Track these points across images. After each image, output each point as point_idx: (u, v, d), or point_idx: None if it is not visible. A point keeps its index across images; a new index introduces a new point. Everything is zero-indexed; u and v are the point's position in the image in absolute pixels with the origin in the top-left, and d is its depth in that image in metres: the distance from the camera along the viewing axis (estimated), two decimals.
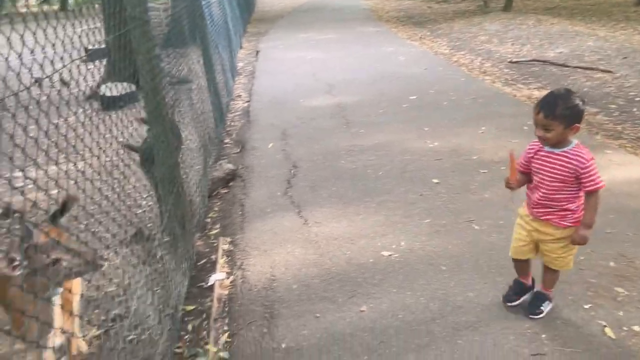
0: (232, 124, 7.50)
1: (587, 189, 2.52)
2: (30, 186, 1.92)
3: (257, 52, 12.89)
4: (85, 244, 2.38)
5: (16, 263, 2.03)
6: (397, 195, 4.43)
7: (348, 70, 9.83)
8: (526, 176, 2.76)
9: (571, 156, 2.52)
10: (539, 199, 2.65)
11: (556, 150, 2.56)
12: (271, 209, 4.37)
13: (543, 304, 2.87)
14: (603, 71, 8.58)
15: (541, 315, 2.84)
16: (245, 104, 8.38)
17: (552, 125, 2.47)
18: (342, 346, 2.73)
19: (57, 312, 2.34)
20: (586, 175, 2.50)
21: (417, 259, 3.47)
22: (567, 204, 2.59)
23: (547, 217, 2.65)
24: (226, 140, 6.77)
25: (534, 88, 8.06)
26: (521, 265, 2.95)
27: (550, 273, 2.85)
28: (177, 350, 2.97)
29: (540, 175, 2.64)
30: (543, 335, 2.70)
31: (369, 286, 3.21)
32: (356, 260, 3.50)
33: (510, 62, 9.92)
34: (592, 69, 8.80)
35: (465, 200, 4.29)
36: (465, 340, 2.70)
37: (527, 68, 9.39)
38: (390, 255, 3.54)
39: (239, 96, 9.10)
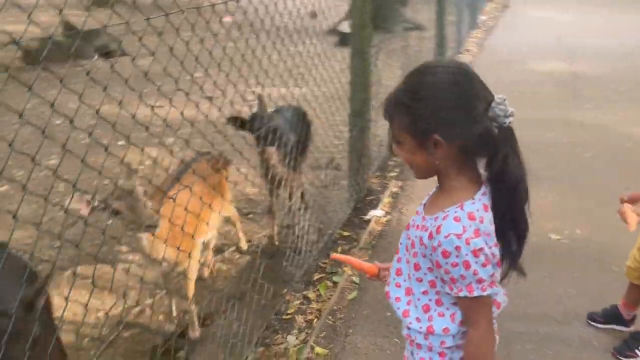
0: None
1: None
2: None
3: (505, 7, 12.11)
4: None
5: None
6: (598, 179, 3.94)
7: (600, 37, 8.66)
8: None
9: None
10: None
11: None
12: None
13: (638, 348, 2.37)
14: None
15: None
16: (471, 59, 8.10)
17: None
18: None
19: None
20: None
21: (586, 249, 3.13)
22: None
23: None
24: None
25: None
26: (631, 289, 2.46)
27: None
28: (322, 265, 3.30)
29: None
30: None
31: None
32: None
33: None
34: None
35: None
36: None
37: None
38: (558, 239, 3.25)
39: (468, 50, 8.81)
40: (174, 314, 2.90)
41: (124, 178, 2.27)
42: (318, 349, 2.54)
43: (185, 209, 2.33)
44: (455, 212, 1.17)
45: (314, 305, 2.92)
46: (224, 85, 2.61)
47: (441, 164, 1.20)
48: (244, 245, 3.53)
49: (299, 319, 2.82)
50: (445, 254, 1.16)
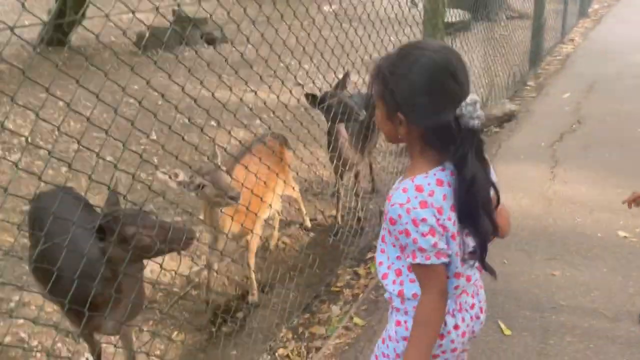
0: (546, 67, 7.03)
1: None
2: None
3: None
4: None
5: None
6: None
7: None
8: None
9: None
10: None
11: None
12: (525, 156, 4.20)
13: None
14: None
15: None
16: (572, 50, 7.65)
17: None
18: (511, 296, 2.69)
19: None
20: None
21: None
22: None
23: None
24: (530, 83, 6.46)
25: None
26: None
27: None
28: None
29: None
30: None
31: (577, 256, 2.95)
32: (582, 229, 3.20)
33: None
34: None
35: None
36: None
37: None
38: (626, 236, 3.10)
39: (572, 40, 8.31)
40: (226, 280, 3.16)
41: (210, 156, 2.54)
42: (356, 319, 2.69)
43: (248, 188, 2.56)
44: (406, 184, 1.26)
45: (363, 281, 3.06)
46: (314, 73, 2.81)
47: (404, 139, 1.28)
48: (307, 223, 3.74)
49: (347, 292, 2.98)
50: (392, 222, 1.26)
